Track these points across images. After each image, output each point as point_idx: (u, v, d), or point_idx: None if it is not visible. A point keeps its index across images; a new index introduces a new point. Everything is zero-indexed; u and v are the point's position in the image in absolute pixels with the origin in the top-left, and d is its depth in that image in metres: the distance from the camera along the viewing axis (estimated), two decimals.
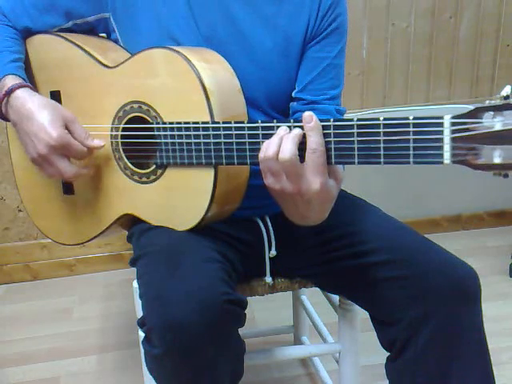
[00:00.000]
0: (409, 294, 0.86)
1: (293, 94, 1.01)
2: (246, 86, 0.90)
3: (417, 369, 0.87)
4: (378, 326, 0.94)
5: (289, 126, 0.77)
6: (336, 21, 0.99)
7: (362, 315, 1.04)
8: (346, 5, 1.01)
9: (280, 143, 0.75)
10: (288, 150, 0.74)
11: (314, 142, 0.74)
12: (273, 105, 0.99)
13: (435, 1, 2.02)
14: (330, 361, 1.27)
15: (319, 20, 0.98)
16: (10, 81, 0.94)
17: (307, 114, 0.75)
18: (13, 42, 1.00)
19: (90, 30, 1.03)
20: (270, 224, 1.02)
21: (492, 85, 2.13)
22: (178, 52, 0.86)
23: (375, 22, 2.03)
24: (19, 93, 0.93)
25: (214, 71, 0.87)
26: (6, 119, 0.97)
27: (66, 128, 0.91)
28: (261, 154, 0.77)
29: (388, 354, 0.93)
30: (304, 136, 0.75)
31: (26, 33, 1.03)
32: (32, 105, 0.91)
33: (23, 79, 0.96)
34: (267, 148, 0.76)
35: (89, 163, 0.97)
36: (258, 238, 1.00)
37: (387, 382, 0.95)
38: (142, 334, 0.81)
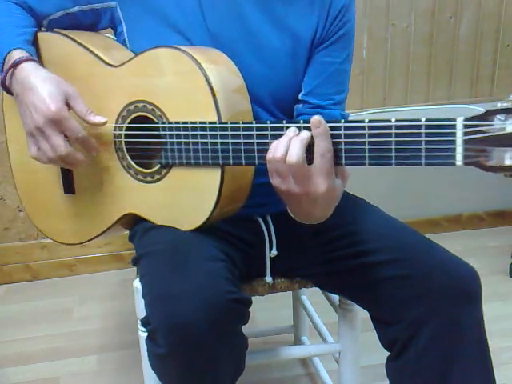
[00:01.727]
0: (410, 293, 0.86)
1: (299, 97, 1.00)
2: (252, 84, 0.90)
3: (417, 369, 0.87)
4: (378, 325, 0.94)
5: (298, 127, 0.77)
6: (345, 27, 0.99)
7: (362, 315, 1.04)
8: (355, 11, 1.01)
9: (288, 145, 0.76)
10: (295, 153, 0.75)
11: (322, 147, 0.74)
12: (277, 104, 0.99)
13: (435, 1, 2.02)
14: (330, 361, 1.27)
15: (328, 25, 0.97)
16: (17, 54, 0.94)
17: (315, 119, 0.75)
18: (18, 17, 1.00)
19: (96, 22, 1.02)
20: (271, 223, 1.02)
21: (492, 85, 2.13)
22: (184, 51, 0.86)
23: (375, 22, 2.03)
24: (24, 65, 0.92)
25: (220, 71, 0.87)
26: (10, 92, 0.97)
27: (68, 104, 0.91)
28: (269, 155, 0.78)
29: (388, 353, 0.93)
30: (312, 138, 0.75)
31: (31, 13, 1.02)
32: (35, 77, 0.91)
33: (30, 53, 0.95)
34: (275, 149, 0.77)
35: (88, 156, 0.95)
36: (259, 238, 1.00)
37: (387, 381, 0.95)
38: (143, 333, 0.81)
